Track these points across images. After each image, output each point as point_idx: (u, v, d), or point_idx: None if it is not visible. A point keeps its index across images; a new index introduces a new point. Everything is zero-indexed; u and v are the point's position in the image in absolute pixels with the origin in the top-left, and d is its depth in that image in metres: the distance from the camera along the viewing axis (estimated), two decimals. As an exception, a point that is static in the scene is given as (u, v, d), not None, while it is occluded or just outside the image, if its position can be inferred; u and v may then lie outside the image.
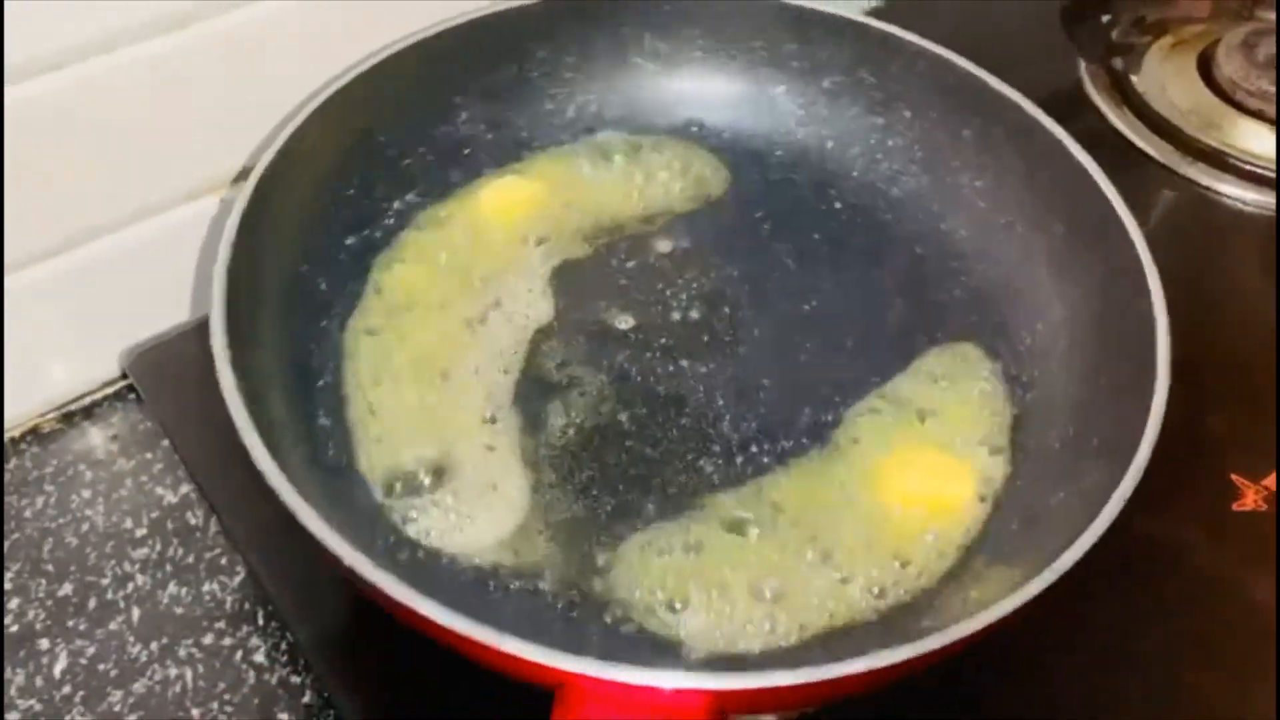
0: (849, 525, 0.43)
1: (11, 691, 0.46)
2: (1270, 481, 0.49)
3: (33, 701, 0.46)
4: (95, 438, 0.55)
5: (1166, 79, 0.69)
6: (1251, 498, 0.48)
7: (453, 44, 0.52)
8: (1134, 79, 0.68)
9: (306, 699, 0.46)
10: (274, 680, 0.46)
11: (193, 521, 0.52)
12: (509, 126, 0.55)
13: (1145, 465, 0.38)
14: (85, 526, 0.51)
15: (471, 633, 0.33)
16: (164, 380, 0.53)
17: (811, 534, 0.43)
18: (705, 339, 0.50)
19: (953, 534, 0.43)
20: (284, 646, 0.47)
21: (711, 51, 0.56)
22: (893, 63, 0.54)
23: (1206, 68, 0.69)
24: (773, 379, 0.48)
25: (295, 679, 0.46)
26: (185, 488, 0.53)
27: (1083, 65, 0.69)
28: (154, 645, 0.47)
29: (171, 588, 0.49)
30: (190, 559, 0.50)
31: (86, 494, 0.53)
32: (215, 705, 0.46)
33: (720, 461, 0.46)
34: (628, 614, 0.41)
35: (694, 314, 0.51)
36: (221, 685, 0.46)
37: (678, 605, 0.41)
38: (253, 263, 0.44)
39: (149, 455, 0.54)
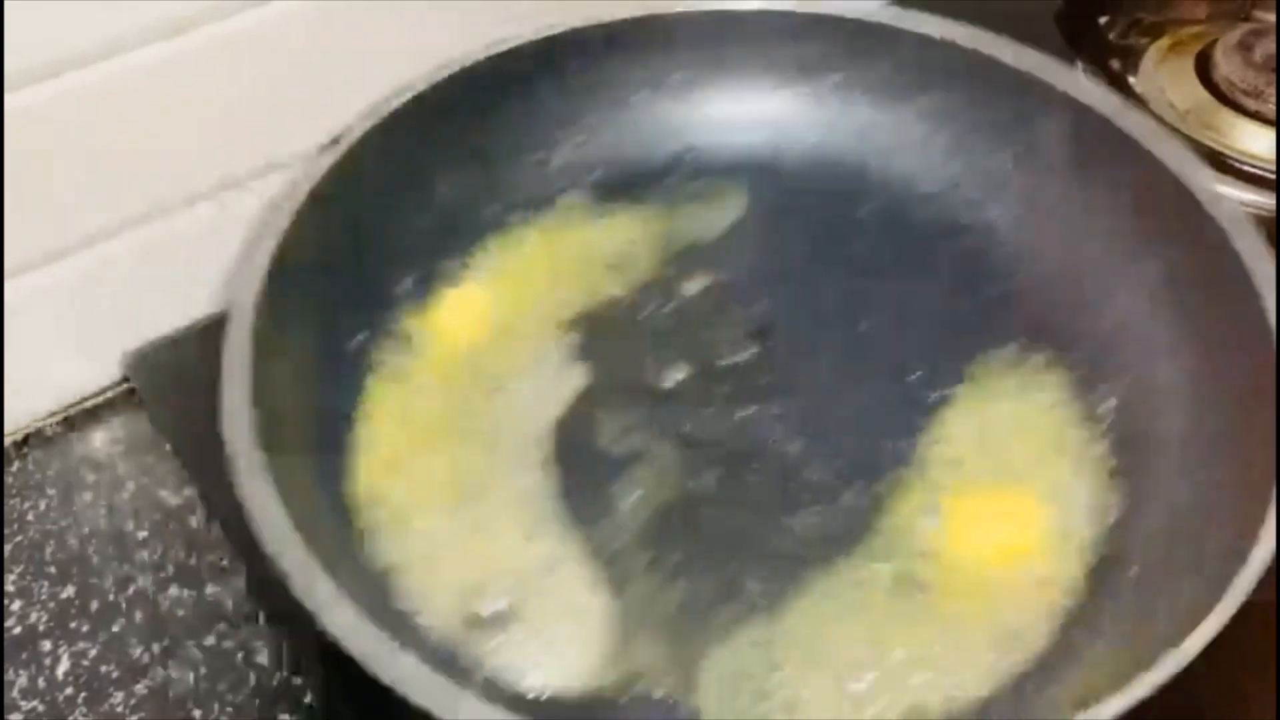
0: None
1: (14, 693, 0.46)
2: None
3: (35, 703, 0.46)
4: (97, 441, 0.55)
5: (1164, 80, 0.69)
6: None
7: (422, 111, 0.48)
8: (1132, 80, 0.69)
9: (308, 700, 0.46)
10: (275, 682, 0.47)
11: (194, 524, 0.52)
12: (503, 186, 0.51)
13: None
14: (87, 529, 0.52)
15: None
16: (165, 383, 0.53)
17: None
18: (764, 381, 0.46)
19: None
20: (286, 648, 0.47)
21: (697, 71, 0.52)
22: (898, 51, 0.50)
23: (1204, 69, 0.69)
24: (846, 411, 0.44)
25: (297, 680, 0.47)
26: (187, 491, 0.53)
27: (1080, 66, 0.69)
28: (156, 647, 0.48)
29: (173, 590, 0.50)
30: (192, 561, 0.50)
31: (88, 497, 0.53)
32: (217, 707, 0.46)
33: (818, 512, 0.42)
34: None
35: (743, 355, 0.46)
36: (223, 686, 0.46)
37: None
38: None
39: (151, 458, 0.54)
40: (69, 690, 0.46)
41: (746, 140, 0.52)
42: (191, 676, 0.47)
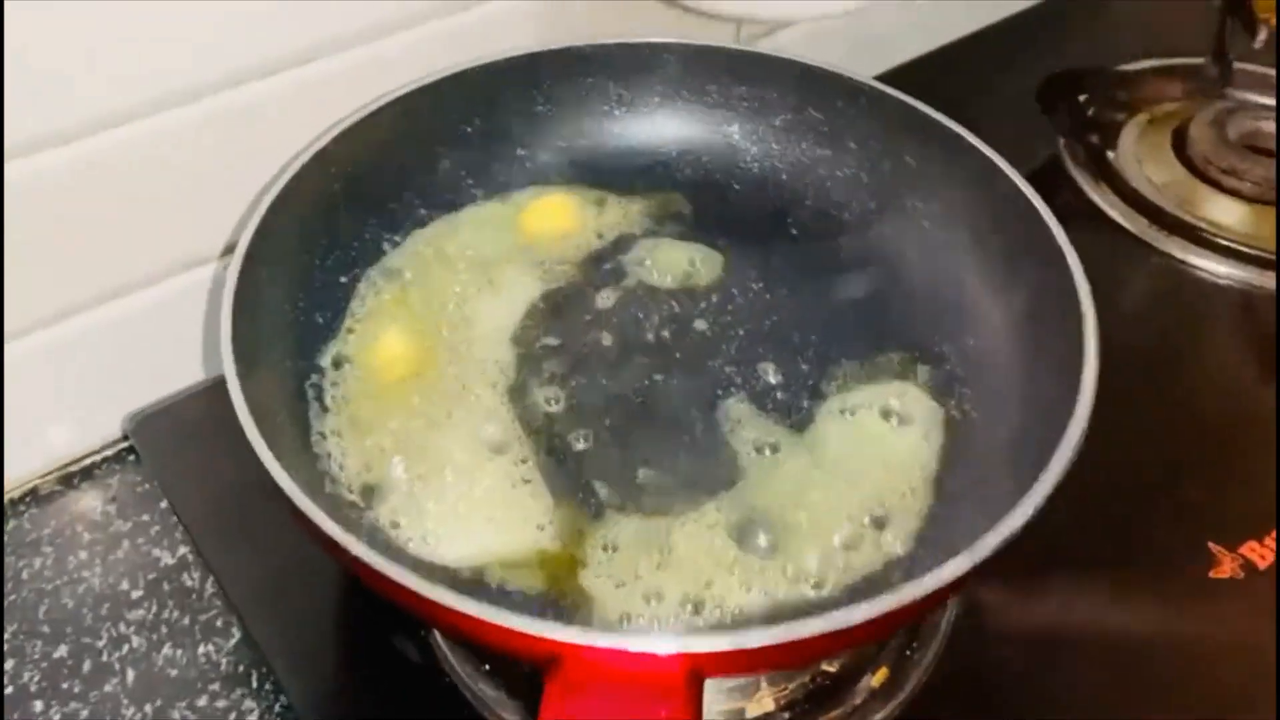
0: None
1: (6, 754, 0.46)
2: (1247, 549, 0.50)
3: (27, 764, 0.46)
4: (93, 499, 0.55)
5: (1142, 155, 0.71)
6: (1229, 565, 0.49)
7: (433, 98, 0.55)
8: (1110, 155, 0.71)
9: (300, 762, 0.46)
10: (267, 743, 0.47)
11: (189, 583, 0.52)
12: (486, 172, 0.59)
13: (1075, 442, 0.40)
14: (82, 588, 0.52)
15: (470, 609, 0.35)
16: (165, 444, 0.54)
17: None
18: (677, 355, 0.52)
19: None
20: (278, 709, 0.48)
21: (669, 97, 0.60)
22: (837, 99, 0.58)
23: (1181, 144, 0.71)
24: (737, 389, 0.51)
25: (289, 742, 0.47)
26: (182, 549, 0.53)
27: (1060, 141, 0.72)
28: (148, 708, 0.48)
29: (166, 649, 0.50)
30: (186, 621, 0.51)
31: (84, 555, 0.53)
32: (209, 768, 0.46)
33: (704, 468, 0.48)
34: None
35: (665, 333, 0.53)
36: (215, 748, 0.47)
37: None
38: (258, 294, 0.47)
39: (146, 517, 0.55)
40: (60, 751, 0.46)
41: (704, 162, 0.60)
42: (183, 737, 0.47)
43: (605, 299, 0.55)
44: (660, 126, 0.60)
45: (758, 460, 0.47)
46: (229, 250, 0.55)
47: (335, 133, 0.52)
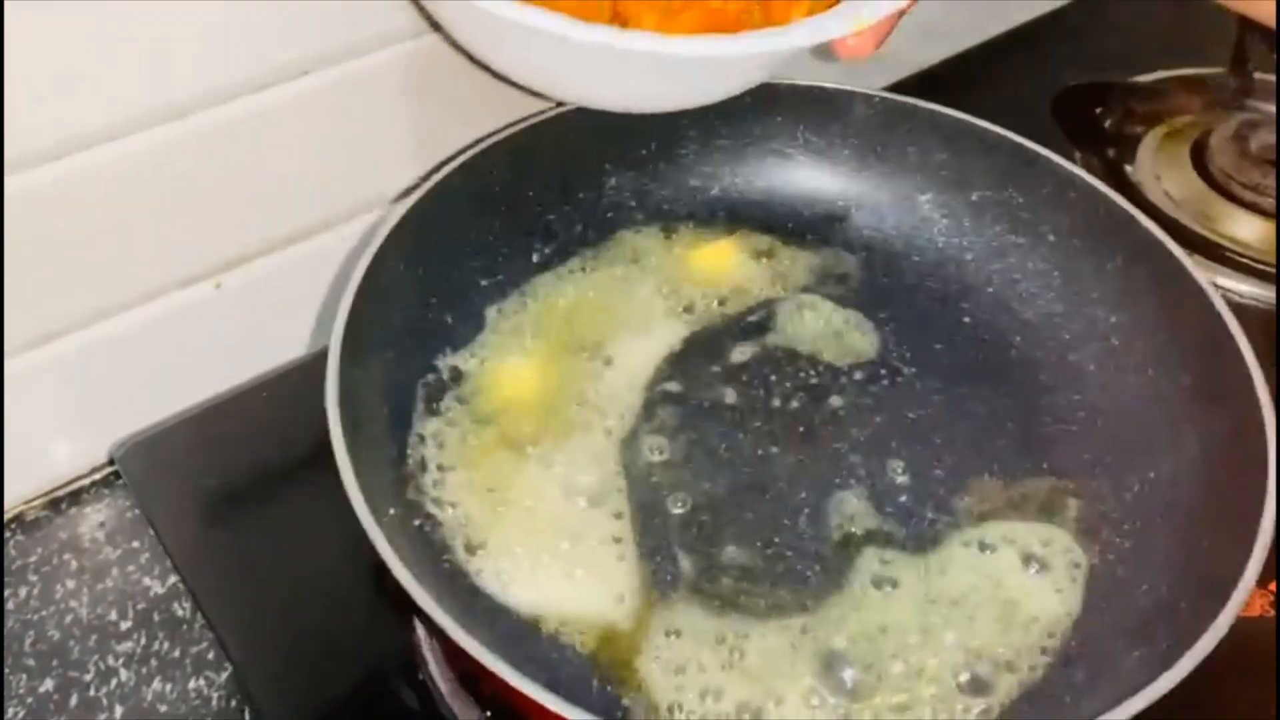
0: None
1: (-12, 794, 0.45)
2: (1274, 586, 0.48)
3: (10, 805, 0.44)
4: (82, 525, 0.54)
5: (1160, 169, 0.69)
6: (1259, 603, 0.48)
7: (606, 115, 0.52)
8: (1128, 169, 0.69)
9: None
10: (259, 783, 0.45)
11: (179, 613, 0.51)
12: (653, 197, 0.56)
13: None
14: (69, 618, 0.50)
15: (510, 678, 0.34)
16: (152, 472, 0.52)
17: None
18: (801, 430, 0.49)
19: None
20: (270, 747, 0.46)
21: (861, 151, 0.57)
22: (1043, 186, 0.54)
23: (1200, 157, 0.69)
24: (858, 482, 0.47)
25: (281, 781, 0.45)
26: (172, 578, 0.51)
27: (1076, 155, 0.70)
28: (136, 744, 0.46)
29: (156, 684, 0.48)
30: (176, 653, 0.49)
31: (71, 584, 0.51)
32: (198, 809, 0.45)
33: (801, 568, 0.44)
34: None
35: (794, 403, 0.50)
36: (205, 788, 0.45)
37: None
38: (390, 277, 0.46)
39: (136, 544, 0.53)
40: (45, 790, 0.45)
41: (885, 225, 0.57)
42: (173, 776, 0.45)
43: (741, 353, 0.51)
44: (845, 180, 0.57)
45: (864, 575, 0.43)
46: (222, 269, 0.54)
47: (510, 132, 0.51)
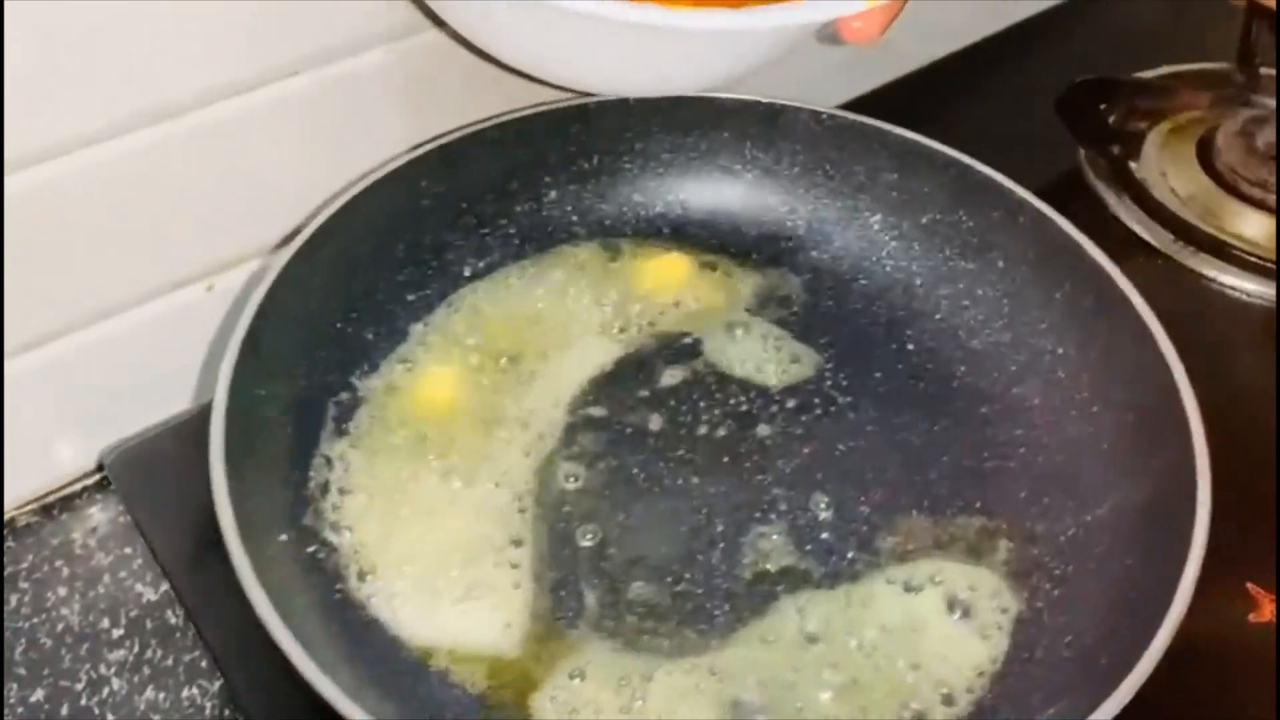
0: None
1: (-23, 807, 0.44)
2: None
3: (-1, 817, 0.44)
4: (73, 531, 0.53)
5: (1166, 166, 0.68)
6: (1268, 608, 0.47)
7: (551, 126, 0.52)
8: (1133, 166, 0.68)
9: (286, 814, 0.44)
10: (253, 794, 0.45)
11: (172, 621, 0.50)
12: (594, 211, 0.55)
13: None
14: (60, 626, 0.49)
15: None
16: (142, 478, 0.51)
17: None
18: (725, 459, 0.47)
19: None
20: (264, 757, 0.45)
21: (809, 169, 0.55)
22: (994, 209, 0.52)
23: (1206, 154, 0.69)
24: (779, 516, 0.45)
25: (275, 792, 0.45)
26: (165, 585, 0.51)
27: (1081, 153, 0.69)
28: (129, 755, 0.46)
29: (149, 693, 0.47)
30: (169, 662, 0.48)
31: (63, 591, 0.51)
32: (191, 821, 0.44)
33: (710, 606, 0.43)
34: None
35: (721, 431, 0.48)
36: (198, 799, 0.44)
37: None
38: (304, 292, 0.45)
39: (129, 550, 0.52)
40: (36, 802, 0.44)
41: (832, 246, 0.55)
42: (165, 787, 0.45)
43: (672, 376, 0.50)
44: (792, 199, 0.55)
45: (777, 615, 0.42)
46: (225, 267, 0.53)
47: (441, 142, 0.49)
